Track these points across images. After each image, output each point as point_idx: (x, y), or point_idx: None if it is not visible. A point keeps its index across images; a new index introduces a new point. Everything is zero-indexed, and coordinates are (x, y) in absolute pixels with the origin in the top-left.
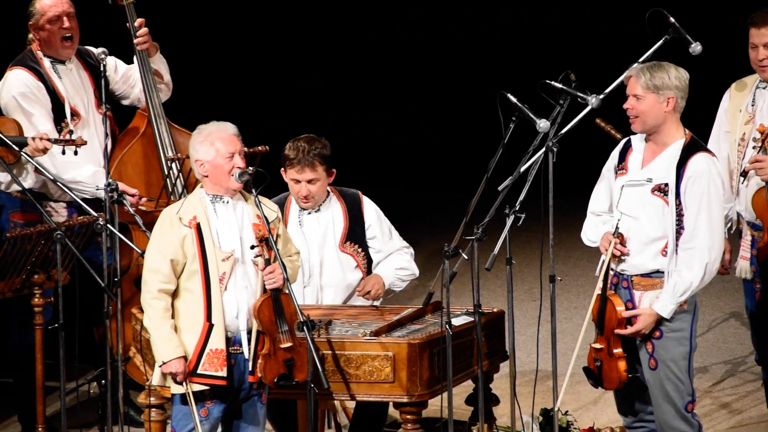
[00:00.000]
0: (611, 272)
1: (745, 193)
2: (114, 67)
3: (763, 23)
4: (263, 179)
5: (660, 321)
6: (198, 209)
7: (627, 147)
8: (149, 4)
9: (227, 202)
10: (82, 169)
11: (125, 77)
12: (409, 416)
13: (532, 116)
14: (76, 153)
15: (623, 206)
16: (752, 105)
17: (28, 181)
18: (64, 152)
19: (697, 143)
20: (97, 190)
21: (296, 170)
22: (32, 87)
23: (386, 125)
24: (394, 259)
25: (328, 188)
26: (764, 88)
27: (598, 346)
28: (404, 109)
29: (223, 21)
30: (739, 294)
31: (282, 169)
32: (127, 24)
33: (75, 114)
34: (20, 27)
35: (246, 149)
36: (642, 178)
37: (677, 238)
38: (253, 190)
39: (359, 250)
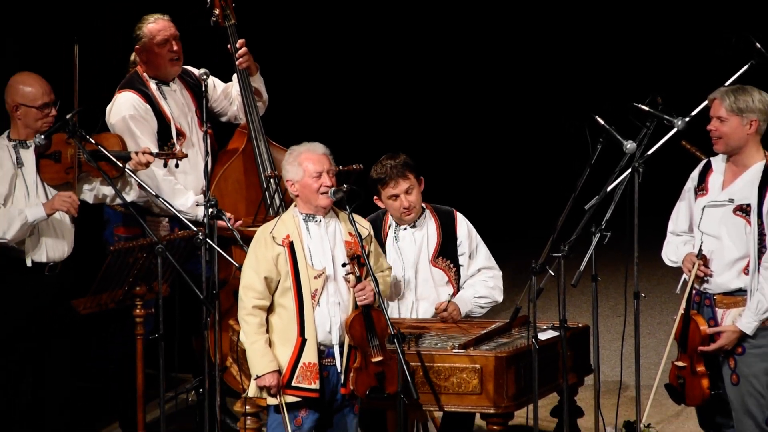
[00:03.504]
0: (693, 291)
1: None
2: (213, 85)
3: None
4: (357, 197)
5: (743, 338)
6: (291, 228)
7: (707, 168)
8: (251, 26)
9: (319, 221)
10: (186, 196)
11: (224, 94)
12: (495, 427)
13: (620, 138)
14: (177, 165)
15: (705, 226)
16: None
17: (132, 195)
18: (166, 165)
19: None
20: (198, 205)
21: (391, 186)
22: (140, 109)
23: (476, 145)
24: (477, 285)
25: (424, 205)
26: None
27: (681, 364)
28: (492, 129)
29: (325, 40)
30: None
31: (375, 197)
32: (228, 45)
33: (180, 134)
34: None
35: (341, 168)
36: (723, 198)
37: (759, 257)
38: (347, 207)
39: (451, 265)
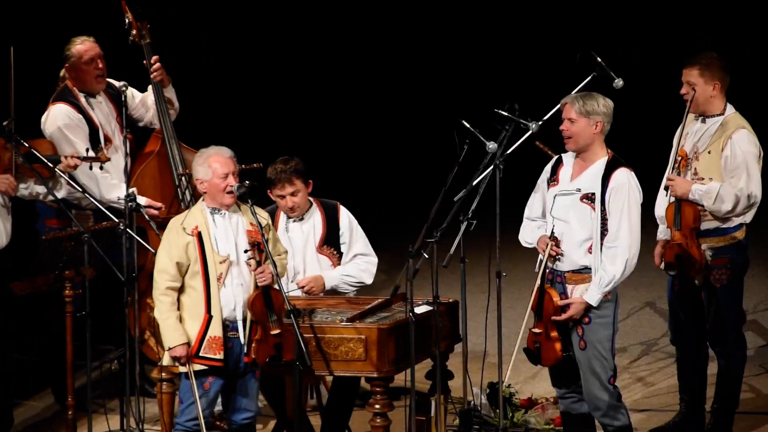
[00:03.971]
0: (547, 270)
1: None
2: (132, 95)
3: (689, 63)
4: (257, 192)
5: (589, 309)
6: (199, 219)
7: (558, 163)
8: (163, 43)
9: (224, 214)
10: (121, 189)
11: (142, 103)
12: (378, 388)
13: (483, 139)
14: (101, 168)
15: (556, 212)
16: (686, 133)
17: (62, 192)
18: (91, 167)
19: (618, 160)
20: (119, 200)
21: (278, 188)
22: (74, 119)
23: (365, 147)
24: (349, 266)
25: (311, 199)
26: (696, 120)
27: (537, 330)
28: (374, 135)
29: (226, 50)
30: (652, 287)
31: (269, 190)
32: (144, 61)
33: (107, 139)
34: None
35: (243, 166)
36: (572, 188)
37: (602, 239)
38: (249, 201)
39: (335, 252)
